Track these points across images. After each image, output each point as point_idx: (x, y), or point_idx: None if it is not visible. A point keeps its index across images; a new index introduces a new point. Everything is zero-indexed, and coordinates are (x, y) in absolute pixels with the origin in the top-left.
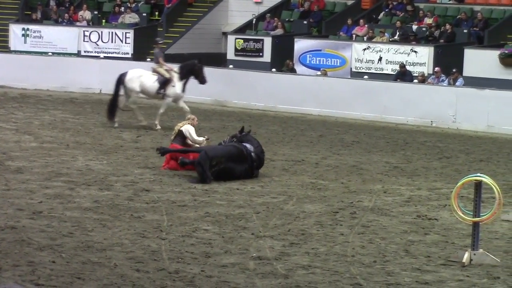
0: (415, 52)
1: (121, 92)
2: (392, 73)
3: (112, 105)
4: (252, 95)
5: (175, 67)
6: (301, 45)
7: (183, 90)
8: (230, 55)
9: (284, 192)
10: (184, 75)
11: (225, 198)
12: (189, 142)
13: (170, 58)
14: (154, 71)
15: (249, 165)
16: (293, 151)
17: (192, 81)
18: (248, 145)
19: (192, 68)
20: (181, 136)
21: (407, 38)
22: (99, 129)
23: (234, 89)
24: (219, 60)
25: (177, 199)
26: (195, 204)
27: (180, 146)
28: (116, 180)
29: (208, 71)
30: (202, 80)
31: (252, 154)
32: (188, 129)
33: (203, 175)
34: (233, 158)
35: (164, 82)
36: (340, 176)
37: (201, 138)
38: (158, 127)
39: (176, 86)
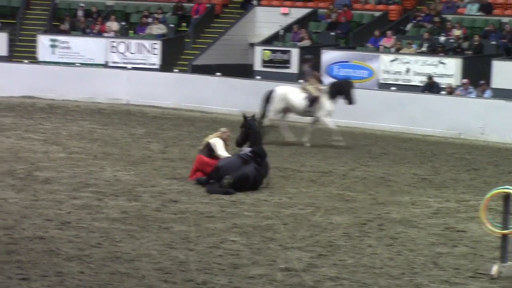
0: (443, 63)
1: (269, 109)
2: (419, 84)
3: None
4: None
5: (325, 85)
6: (328, 56)
7: (331, 108)
8: (257, 66)
9: (311, 204)
10: (333, 94)
11: (253, 209)
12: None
13: (197, 69)
14: (303, 88)
15: (253, 162)
16: (320, 163)
17: (221, 92)
18: (247, 149)
19: (342, 87)
20: (208, 148)
21: (434, 49)
22: (126, 139)
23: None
24: (246, 71)
25: (205, 210)
26: (223, 215)
27: (206, 158)
28: (144, 191)
29: (235, 82)
30: (350, 100)
31: (249, 154)
32: (215, 142)
33: (221, 193)
34: (238, 166)
35: (313, 100)
36: (368, 188)
37: (225, 154)
38: (307, 144)
39: (324, 105)
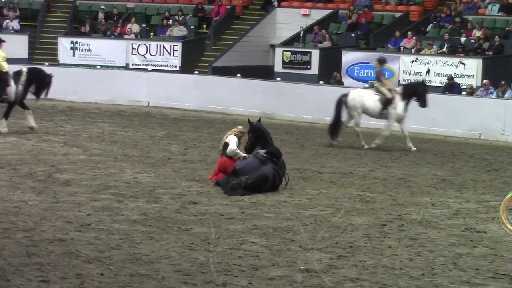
0: (464, 64)
1: (343, 113)
2: (440, 85)
3: (335, 126)
4: (299, 108)
5: (398, 87)
6: (349, 57)
7: (405, 111)
8: (278, 67)
9: (331, 205)
10: (407, 96)
11: (273, 210)
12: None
13: (217, 71)
14: (377, 90)
15: (270, 162)
16: (340, 164)
17: (241, 93)
18: (261, 150)
19: (416, 89)
20: (227, 148)
21: (455, 50)
22: (147, 141)
23: (281, 101)
24: (266, 73)
25: (225, 211)
26: (243, 216)
27: (230, 159)
28: (164, 192)
29: (255, 83)
30: (423, 103)
31: (264, 155)
32: (230, 138)
33: (241, 194)
34: (256, 167)
35: (386, 102)
36: (388, 189)
37: (238, 151)
38: (366, 146)
39: (397, 107)
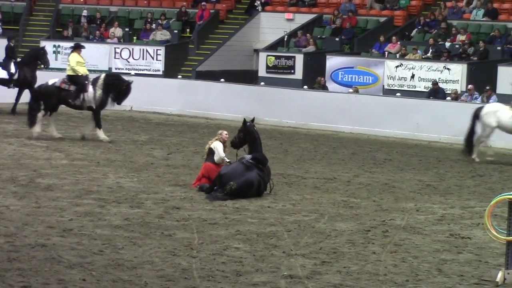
0: (448, 69)
1: (477, 127)
2: (424, 90)
3: (468, 142)
4: (283, 113)
5: None
6: (333, 62)
7: None
8: (262, 72)
9: (315, 210)
10: None
11: (256, 216)
12: (215, 158)
13: (201, 75)
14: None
15: (256, 168)
16: (325, 169)
17: (225, 98)
18: (247, 156)
19: None
20: (213, 154)
21: (440, 55)
22: (129, 146)
23: (265, 106)
24: (250, 77)
25: (208, 217)
26: (226, 222)
27: (214, 165)
28: (147, 197)
29: (239, 88)
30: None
31: (250, 160)
32: (216, 145)
33: (220, 199)
34: (241, 173)
35: None
36: (372, 194)
37: (226, 159)
38: (477, 159)
39: None
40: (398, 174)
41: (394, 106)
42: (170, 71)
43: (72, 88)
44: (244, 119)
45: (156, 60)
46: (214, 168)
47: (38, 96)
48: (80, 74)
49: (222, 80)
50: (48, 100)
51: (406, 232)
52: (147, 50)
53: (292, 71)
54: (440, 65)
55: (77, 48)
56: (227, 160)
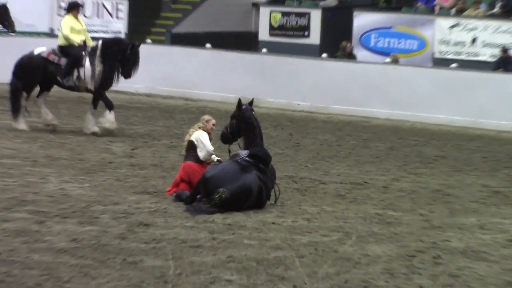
0: None
1: None
2: (490, 60)
3: None
4: (294, 91)
5: None
6: (363, 20)
7: None
8: (263, 34)
9: (339, 228)
10: None
11: (256, 236)
12: (199, 155)
13: (178, 39)
14: None
15: (255, 169)
16: (352, 170)
17: (211, 71)
18: (242, 152)
19: None
20: (195, 149)
21: (511, 11)
22: (79, 138)
23: (268, 82)
24: (247, 42)
25: (189, 237)
26: (214, 244)
27: (197, 164)
28: (103, 210)
29: (232, 57)
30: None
31: (247, 158)
32: (199, 137)
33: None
34: (234, 176)
35: None
36: (418, 205)
37: (215, 156)
38: None
39: None
40: (454, 177)
41: (448, 82)
42: (135, 33)
43: (63, 61)
44: (239, 101)
45: (116, 18)
46: (196, 169)
47: (19, 71)
48: (75, 43)
49: (208, 45)
50: (29, 76)
51: (466, 258)
52: (103, 5)
53: (306, 33)
54: (511, 24)
55: (73, 8)
56: (216, 158)
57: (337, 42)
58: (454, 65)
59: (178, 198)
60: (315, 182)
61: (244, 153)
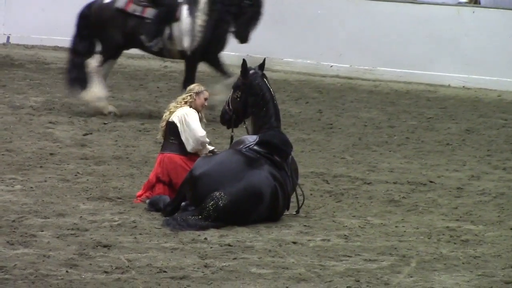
0: None
1: None
2: None
3: None
4: (324, 47)
5: None
6: None
7: None
8: None
9: (391, 250)
10: None
11: (269, 262)
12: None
13: None
14: None
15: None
16: (410, 164)
17: None
18: (250, 137)
19: None
20: (176, 134)
21: None
22: (7, 119)
23: (287, 33)
24: None
25: (169, 264)
26: (207, 274)
27: (180, 157)
28: (42, 224)
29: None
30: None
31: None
32: (184, 115)
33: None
34: (237, 172)
35: None
36: (508, 215)
37: (208, 145)
38: None
39: None
40: None
41: None
42: None
43: (149, 13)
44: (244, 62)
45: None
46: (180, 164)
47: (84, 28)
48: None
49: None
50: (102, 32)
51: None
52: None
53: None
54: None
55: None
56: (210, 148)
57: None
58: None
59: (153, 206)
60: (357, 181)
61: (251, 139)
